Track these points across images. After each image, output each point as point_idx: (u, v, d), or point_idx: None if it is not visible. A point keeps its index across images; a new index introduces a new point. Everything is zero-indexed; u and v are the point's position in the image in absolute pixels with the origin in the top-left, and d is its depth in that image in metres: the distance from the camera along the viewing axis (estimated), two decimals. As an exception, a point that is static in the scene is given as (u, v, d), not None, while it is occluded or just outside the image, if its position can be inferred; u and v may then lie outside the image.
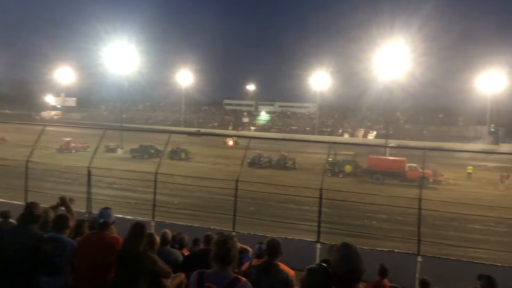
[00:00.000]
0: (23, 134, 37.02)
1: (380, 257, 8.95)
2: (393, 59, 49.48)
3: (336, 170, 34.61)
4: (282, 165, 37.85)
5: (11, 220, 7.20)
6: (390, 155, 36.99)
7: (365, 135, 76.76)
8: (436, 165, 32.42)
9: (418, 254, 10.46)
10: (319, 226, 11.33)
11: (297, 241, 11.59)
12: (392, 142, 49.02)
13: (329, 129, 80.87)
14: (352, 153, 36.97)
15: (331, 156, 33.01)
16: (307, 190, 16.83)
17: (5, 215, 7.47)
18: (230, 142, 52.35)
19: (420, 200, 10.85)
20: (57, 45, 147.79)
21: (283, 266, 4.51)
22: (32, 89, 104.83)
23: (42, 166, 19.53)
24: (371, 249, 10.60)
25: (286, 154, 39.01)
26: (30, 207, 4.92)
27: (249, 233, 11.81)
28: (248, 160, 36.79)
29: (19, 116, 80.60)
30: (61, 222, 4.76)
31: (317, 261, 10.28)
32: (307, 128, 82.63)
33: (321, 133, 78.33)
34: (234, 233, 10.03)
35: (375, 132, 76.16)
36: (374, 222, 19.10)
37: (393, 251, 11.19)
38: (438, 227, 16.96)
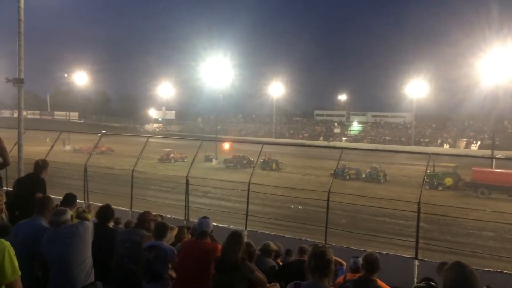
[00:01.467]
0: (129, 145, 40.34)
1: (486, 278, 8.20)
2: (499, 64, 45.47)
3: (435, 183, 32.58)
4: (374, 178, 35.97)
5: (120, 226, 7.90)
6: (497, 167, 33.90)
7: (467, 146, 71.21)
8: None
9: (533, 277, 9.45)
10: (417, 242, 10.75)
11: (393, 257, 11.10)
12: (499, 153, 45.00)
13: (426, 140, 76.44)
14: (453, 165, 34.54)
15: (430, 168, 31.14)
16: (402, 203, 16.11)
17: (117, 221, 8.23)
18: (226, 146, 50.73)
19: (534, 217, 9.82)
20: (161, 62, 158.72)
21: (380, 283, 4.36)
22: (137, 103, 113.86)
23: (144, 175, 21.03)
24: (476, 269, 9.78)
25: (377, 166, 37.16)
26: (143, 215, 5.50)
27: (342, 246, 11.58)
28: (332, 172, 36.07)
29: (126, 129, 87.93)
30: (161, 230, 5.08)
31: (415, 279, 9.74)
32: (402, 139, 78.97)
33: (418, 143, 74.25)
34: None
35: (479, 143, 70.41)
36: (479, 239, 17.61)
37: (501, 272, 10.23)
38: (555, 248, 15.20)
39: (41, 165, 6.13)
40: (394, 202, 18.61)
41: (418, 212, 10.86)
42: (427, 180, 29.79)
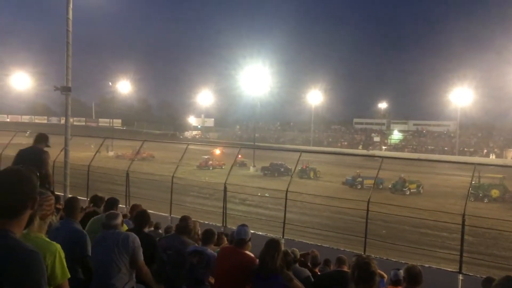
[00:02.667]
0: (169, 151, 41.15)
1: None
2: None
3: (481, 195, 31.27)
4: (398, 189, 33.55)
5: (160, 231, 8.04)
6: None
7: (515, 156, 68.14)
8: None
9: None
10: (461, 256, 10.36)
11: (435, 270, 10.74)
12: (551, 165, 42.70)
13: (471, 149, 73.68)
14: (500, 176, 33.04)
15: (475, 179, 29.93)
16: (445, 215, 15.56)
17: (157, 226, 8.39)
18: (217, 152, 50.52)
19: None
20: (201, 70, 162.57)
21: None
22: (178, 111, 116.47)
23: (183, 182, 21.36)
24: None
25: (405, 176, 34.65)
26: (184, 220, 5.50)
27: (381, 258, 11.31)
28: (344, 180, 35.21)
29: (166, 136, 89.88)
30: (208, 236, 5.14)
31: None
32: (446, 148, 76.44)
33: (462, 153, 71.64)
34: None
35: (528, 153, 67.19)
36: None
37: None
38: None
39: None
40: (436, 214, 18.02)
41: (463, 224, 10.48)
42: (472, 191, 28.68)
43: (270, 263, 4.20)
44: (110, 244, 4.35)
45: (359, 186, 34.60)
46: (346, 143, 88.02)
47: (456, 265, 10.54)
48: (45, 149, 6.89)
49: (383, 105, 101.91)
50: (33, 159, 6.46)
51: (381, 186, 34.36)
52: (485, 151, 71.88)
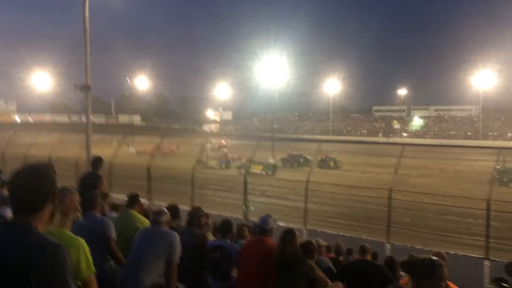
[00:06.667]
0: (189, 145, 41.47)
1: None
2: None
3: (506, 179, 30.57)
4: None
5: (183, 225, 8.11)
6: None
7: (541, 139, 66.37)
8: None
9: None
10: (487, 241, 10.19)
11: (461, 257, 10.59)
12: None
13: (495, 133, 72.09)
14: (526, 159, 32.23)
15: (499, 163, 29.26)
16: (470, 201, 15.29)
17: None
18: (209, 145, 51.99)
19: None
20: (218, 63, 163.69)
21: (449, 283, 4.15)
22: (196, 105, 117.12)
23: (204, 175, 21.49)
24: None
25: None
26: (193, 213, 5.50)
27: (405, 246, 11.21)
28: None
29: (186, 130, 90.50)
30: (225, 228, 5.17)
31: (486, 279, 9.22)
32: (468, 133, 74.99)
33: (486, 138, 70.20)
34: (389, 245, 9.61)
35: (554, 135, 65.41)
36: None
37: None
38: None
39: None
40: (461, 200, 17.72)
41: (488, 209, 10.29)
42: (496, 176, 28.02)
43: (289, 253, 4.22)
44: (152, 240, 4.38)
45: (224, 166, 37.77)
46: (365, 131, 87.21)
47: (482, 251, 10.38)
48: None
49: (402, 92, 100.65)
50: (92, 184, 7.06)
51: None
52: (509, 134, 70.23)
